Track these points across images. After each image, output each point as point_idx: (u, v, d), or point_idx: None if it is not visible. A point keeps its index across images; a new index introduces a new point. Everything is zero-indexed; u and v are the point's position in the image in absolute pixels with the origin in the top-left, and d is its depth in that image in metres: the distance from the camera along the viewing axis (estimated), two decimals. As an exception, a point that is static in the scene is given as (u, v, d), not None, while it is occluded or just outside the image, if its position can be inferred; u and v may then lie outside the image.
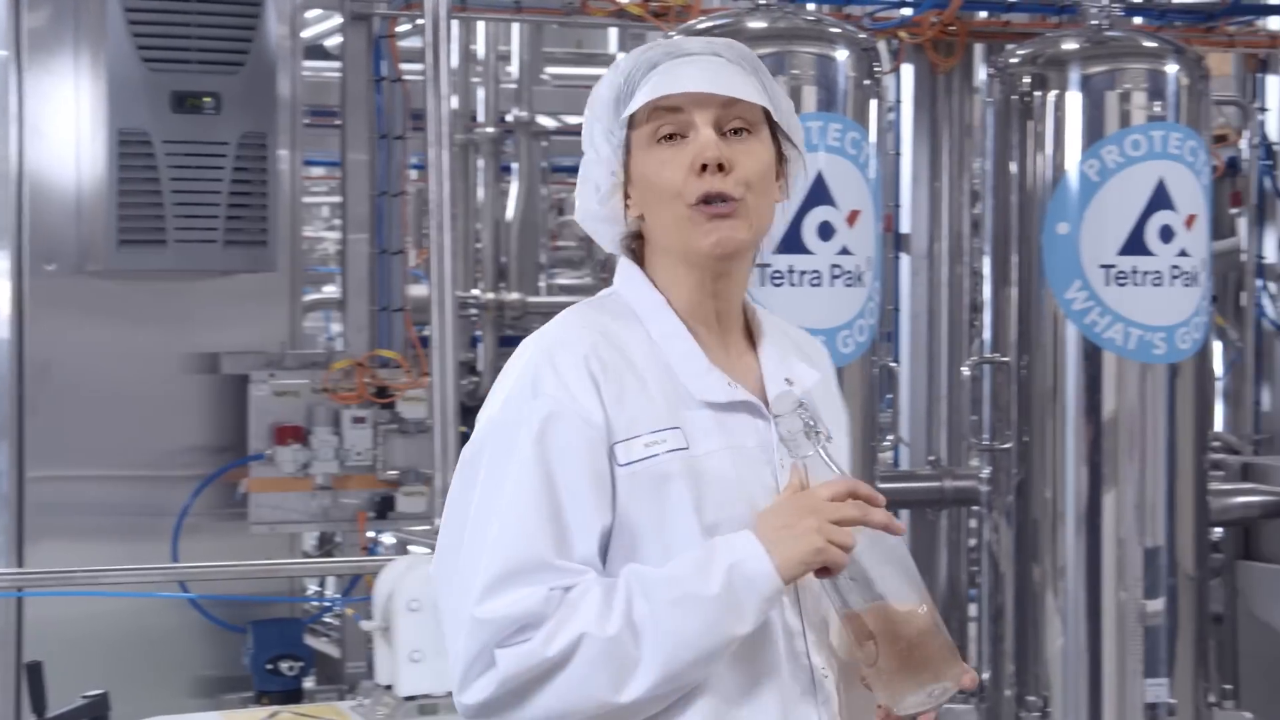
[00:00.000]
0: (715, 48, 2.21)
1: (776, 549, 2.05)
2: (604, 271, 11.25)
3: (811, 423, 2.09)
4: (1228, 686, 5.84)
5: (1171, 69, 4.98)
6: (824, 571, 2.06)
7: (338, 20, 6.51)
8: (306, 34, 7.72)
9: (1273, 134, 7.34)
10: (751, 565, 2.04)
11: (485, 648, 2.05)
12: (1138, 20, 6.50)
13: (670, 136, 2.17)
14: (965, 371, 5.36)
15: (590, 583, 2.06)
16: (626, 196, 2.22)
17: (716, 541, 2.08)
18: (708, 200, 2.14)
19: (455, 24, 7.12)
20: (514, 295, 8.97)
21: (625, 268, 2.26)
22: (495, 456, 2.12)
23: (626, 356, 2.15)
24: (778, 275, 4.74)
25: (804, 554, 2.04)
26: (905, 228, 6.65)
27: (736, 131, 2.17)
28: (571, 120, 11.13)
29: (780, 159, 2.23)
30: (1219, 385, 7.82)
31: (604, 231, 2.26)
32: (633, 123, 2.19)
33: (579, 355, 2.12)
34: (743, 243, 2.17)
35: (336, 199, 7.69)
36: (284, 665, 5.70)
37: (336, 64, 6.59)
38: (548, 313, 10.26)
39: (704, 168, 2.13)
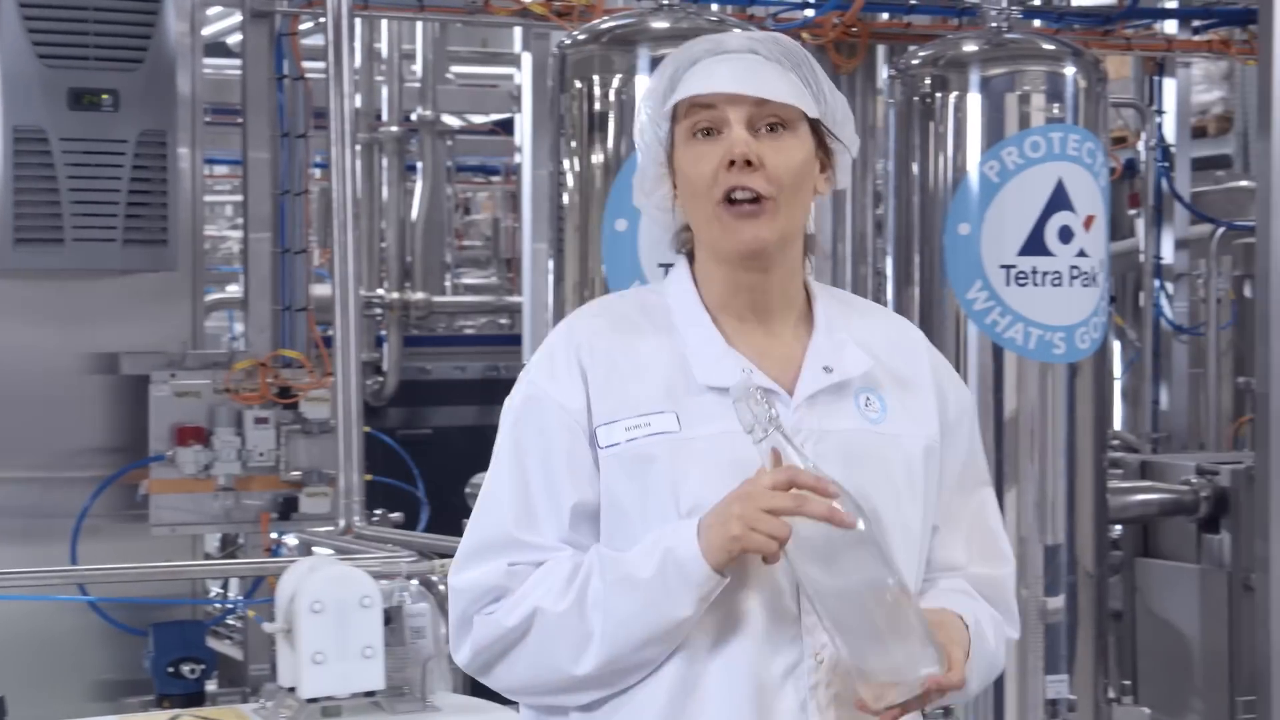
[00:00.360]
0: (754, 44, 2.25)
1: (704, 535, 2.08)
2: (509, 271, 11.23)
3: (769, 411, 2.08)
4: (1127, 682, 5.91)
5: (1070, 71, 5.02)
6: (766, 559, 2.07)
7: (238, 17, 6.45)
8: (207, 31, 7.65)
9: (1170, 136, 7.44)
10: (681, 551, 2.09)
11: (464, 615, 2.20)
12: (1037, 23, 6.56)
13: (707, 132, 2.21)
14: (868, 371, 5.38)
15: (562, 559, 2.16)
16: (675, 188, 2.27)
17: (670, 526, 2.12)
18: (733, 198, 2.17)
19: (358, 22, 7.08)
20: (419, 295, 8.92)
21: (678, 261, 2.31)
22: (498, 439, 2.26)
23: (629, 344, 2.21)
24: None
25: (723, 541, 2.06)
26: (809, 229, 6.67)
27: (772, 128, 2.20)
28: (476, 119, 11.12)
29: (826, 151, 2.26)
30: (1118, 384, 7.93)
31: (659, 219, 2.31)
32: (675, 117, 2.24)
33: (574, 344, 2.22)
34: (769, 242, 2.20)
35: (238, 198, 7.63)
36: (185, 668, 5.65)
37: (237, 61, 6.54)
38: (453, 312, 10.19)
39: (732, 163, 2.17)
